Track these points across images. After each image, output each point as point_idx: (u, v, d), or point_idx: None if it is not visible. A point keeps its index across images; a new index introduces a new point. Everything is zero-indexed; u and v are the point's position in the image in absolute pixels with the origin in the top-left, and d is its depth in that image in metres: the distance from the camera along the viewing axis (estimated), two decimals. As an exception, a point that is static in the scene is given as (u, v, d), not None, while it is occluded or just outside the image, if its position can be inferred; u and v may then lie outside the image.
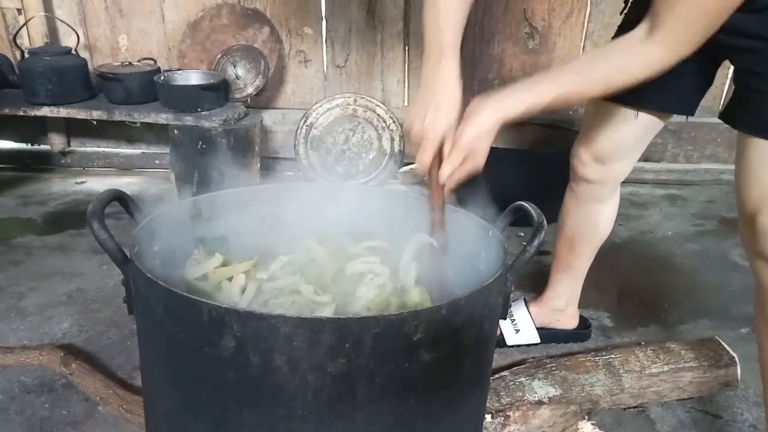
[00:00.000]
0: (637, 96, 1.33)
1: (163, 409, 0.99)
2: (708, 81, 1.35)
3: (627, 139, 1.44)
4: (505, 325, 1.71)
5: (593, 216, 1.59)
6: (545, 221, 1.00)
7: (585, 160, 1.50)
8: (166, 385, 0.95)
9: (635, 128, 1.41)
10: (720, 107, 3.13)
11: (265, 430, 0.87)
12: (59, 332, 1.74)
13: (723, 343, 1.55)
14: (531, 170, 2.55)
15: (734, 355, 1.51)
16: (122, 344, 1.69)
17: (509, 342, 1.71)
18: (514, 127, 3.16)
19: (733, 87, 1.22)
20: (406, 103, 3.08)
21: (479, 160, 1.07)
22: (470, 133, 1.05)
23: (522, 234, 2.38)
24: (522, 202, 1.05)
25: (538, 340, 1.72)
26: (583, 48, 3.01)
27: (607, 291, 2.00)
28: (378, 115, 2.90)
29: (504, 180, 2.51)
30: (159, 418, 1.01)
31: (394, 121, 2.91)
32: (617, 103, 1.38)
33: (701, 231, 2.62)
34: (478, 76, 2.84)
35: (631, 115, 1.39)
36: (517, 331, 1.71)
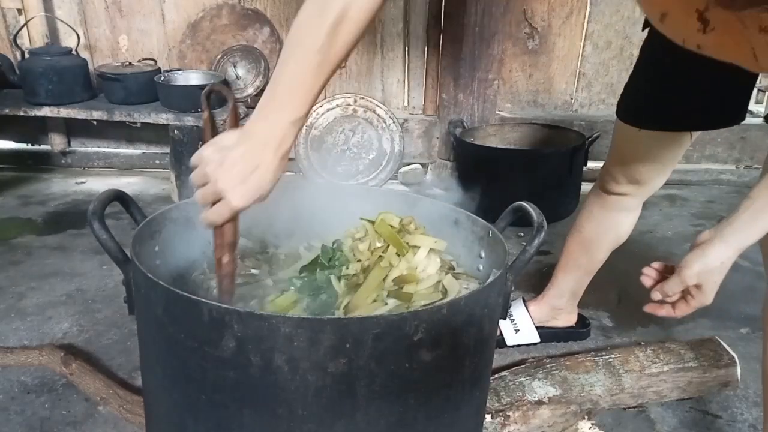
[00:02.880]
0: (688, 119, 1.30)
1: (163, 409, 0.99)
2: (753, 84, 1.31)
3: (668, 159, 1.39)
4: (504, 326, 1.71)
5: (618, 224, 1.56)
6: (545, 221, 1.00)
7: (620, 181, 1.45)
8: (166, 385, 0.95)
9: (679, 149, 1.37)
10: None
11: (266, 430, 0.87)
12: (59, 332, 1.75)
13: (723, 343, 1.55)
14: (531, 170, 2.55)
15: (734, 355, 1.51)
16: (122, 344, 1.69)
17: (509, 342, 1.71)
18: (514, 126, 3.17)
19: None
20: (406, 103, 3.08)
21: (707, 295, 1.03)
22: (699, 265, 1.01)
23: (522, 234, 2.38)
24: (522, 202, 1.05)
25: (538, 340, 1.72)
26: (583, 48, 3.02)
27: (607, 291, 2.00)
28: (378, 115, 2.90)
29: (504, 180, 2.52)
30: (159, 418, 1.01)
31: (394, 122, 2.91)
32: (666, 131, 1.32)
33: (701, 231, 2.61)
34: (478, 76, 2.84)
35: (683, 138, 1.33)
36: (517, 330, 1.71)
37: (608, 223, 1.56)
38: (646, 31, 1.31)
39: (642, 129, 1.34)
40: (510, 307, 1.72)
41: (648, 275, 1.12)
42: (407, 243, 1.08)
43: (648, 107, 1.34)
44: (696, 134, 1.36)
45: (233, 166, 0.84)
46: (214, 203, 0.87)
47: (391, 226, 1.10)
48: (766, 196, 0.98)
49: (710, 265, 1.02)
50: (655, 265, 1.12)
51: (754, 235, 1.00)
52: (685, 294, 1.07)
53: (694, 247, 1.04)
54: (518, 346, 1.71)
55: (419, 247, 1.09)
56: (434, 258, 1.09)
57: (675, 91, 1.28)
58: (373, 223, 1.12)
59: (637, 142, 1.36)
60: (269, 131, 0.85)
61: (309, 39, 0.83)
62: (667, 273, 1.09)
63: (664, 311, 1.10)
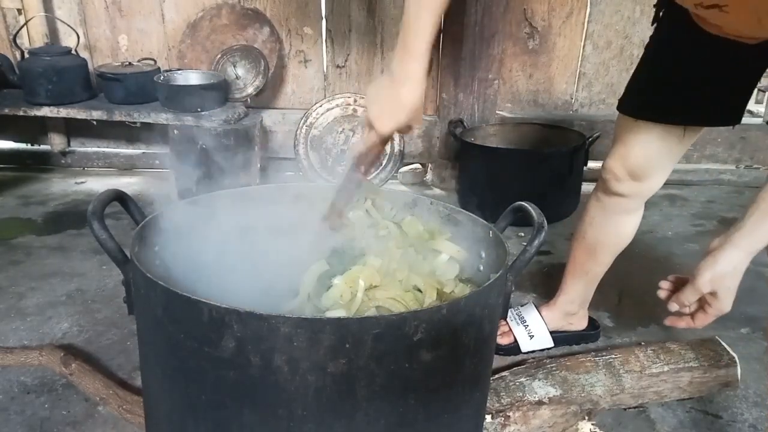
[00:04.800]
0: (684, 113, 1.31)
1: (163, 409, 0.99)
2: (754, 86, 1.31)
3: (667, 155, 1.40)
4: (519, 332, 1.70)
5: (620, 227, 1.55)
6: (545, 221, 0.99)
7: (621, 177, 1.45)
8: (166, 385, 0.95)
9: (678, 145, 1.37)
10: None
11: (265, 430, 0.87)
12: (59, 332, 1.74)
13: (723, 343, 1.55)
14: (531, 170, 2.55)
15: (734, 355, 1.51)
16: (122, 344, 1.69)
17: (524, 348, 1.70)
18: (514, 126, 3.17)
19: None
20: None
21: (724, 302, 1.03)
22: (711, 272, 1.02)
23: (522, 234, 2.38)
24: (522, 202, 1.05)
25: (552, 344, 1.71)
26: (583, 48, 3.02)
27: (607, 291, 2.00)
28: (378, 115, 2.90)
29: (504, 180, 2.52)
30: (159, 418, 1.01)
31: (394, 121, 2.91)
32: (660, 122, 1.34)
33: (701, 231, 2.62)
34: (478, 76, 2.84)
35: (676, 133, 1.34)
36: (532, 337, 1.70)
37: (611, 227, 1.55)
38: (653, 27, 1.33)
39: (639, 119, 1.36)
40: (522, 313, 1.74)
41: (663, 288, 1.12)
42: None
43: (646, 99, 1.36)
44: (695, 134, 1.37)
45: (377, 102, 1.11)
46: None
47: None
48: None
49: (722, 270, 1.02)
50: (670, 277, 1.12)
51: (763, 238, 1.00)
52: (703, 303, 1.07)
53: (705, 255, 1.04)
54: (532, 352, 1.71)
55: (441, 252, 1.14)
56: (454, 265, 1.13)
57: (674, 85, 1.29)
58: (394, 222, 1.17)
59: (636, 134, 1.38)
60: (400, 73, 1.08)
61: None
62: (681, 285, 1.09)
63: (684, 323, 1.10)
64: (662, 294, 1.12)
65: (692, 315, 1.09)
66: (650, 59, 1.36)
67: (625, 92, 1.42)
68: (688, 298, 1.05)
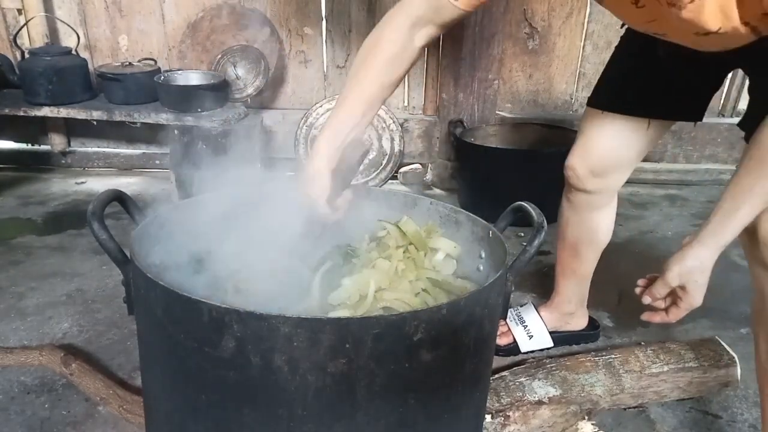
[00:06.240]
0: (648, 105, 1.34)
1: (163, 409, 0.99)
2: (718, 86, 1.33)
3: (630, 150, 1.41)
4: (518, 333, 1.71)
5: (593, 223, 1.57)
6: (545, 221, 1.00)
7: (581, 174, 1.47)
8: (166, 385, 0.95)
9: (642, 139, 1.39)
10: (719, 107, 3.14)
11: (265, 430, 0.87)
12: (59, 332, 1.74)
13: (723, 343, 1.55)
14: (531, 170, 2.55)
15: (734, 355, 1.51)
16: (122, 344, 1.69)
17: (523, 349, 1.70)
18: (514, 126, 3.17)
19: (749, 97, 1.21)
20: (406, 103, 3.08)
21: (694, 296, 1.07)
22: (679, 266, 1.05)
23: (522, 234, 2.38)
24: (522, 202, 1.05)
25: (551, 344, 1.71)
26: (583, 48, 3.02)
27: (607, 291, 2.00)
28: (378, 115, 2.90)
29: (504, 180, 2.52)
30: (159, 418, 1.01)
31: (394, 122, 2.91)
32: (626, 114, 1.36)
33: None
34: (478, 77, 2.84)
35: (641, 126, 1.36)
36: (531, 337, 1.70)
37: (585, 225, 1.57)
38: (623, 29, 1.36)
39: (605, 111, 1.39)
40: (521, 313, 1.74)
41: (640, 285, 1.16)
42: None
43: (613, 92, 1.40)
44: (660, 129, 1.39)
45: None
46: None
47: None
48: (732, 197, 1.01)
49: (689, 266, 1.05)
50: (648, 276, 1.16)
51: (727, 234, 1.03)
52: (675, 298, 1.11)
53: (679, 251, 1.08)
54: (532, 352, 1.71)
55: (438, 250, 1.15)
56: (450, 262, 1.14)
57: (640, 79, 1.33)
58: (392, 223, 1.18)
59: (601, 127, 1.41)
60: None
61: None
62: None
63: (659, 318, 1.14)
64: (638, 290, 1.15)
65: (666, 310, 1.13)
66: (618, 56, 1.41)
67: (595, 88, 1.45)
68: (659, 291, 1.09)
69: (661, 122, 1.38)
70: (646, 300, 1.12)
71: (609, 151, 1.42)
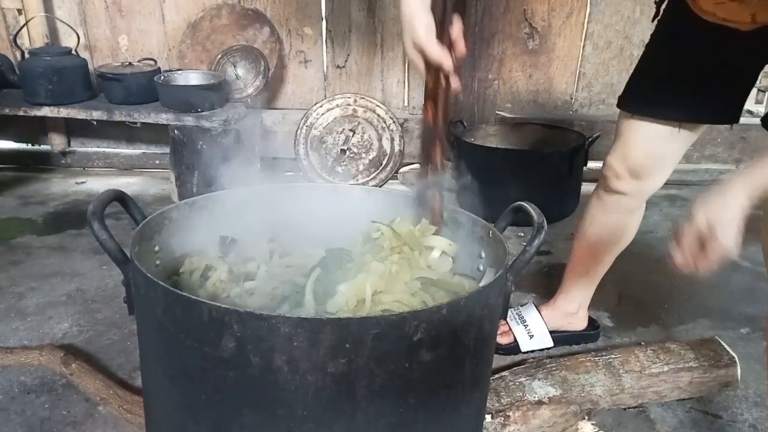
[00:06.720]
0: (677, 108, 1.32)
1: (163, 409, 0.99)
2: (751, 86, 1.31)
3: (667, 153, 1.40)
4: (518, 332, 1.70)
5: (621, 226, 1.55)
6: (545, 221, 0.99)
7: (621, 174, 1.45)
8: (166, 385, 0.95)
9: (677, 142, 1.38)
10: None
11: (265, 430, 0.87)
12: (59, 332, 1.75)
13: (723, 343, 1.55)
14: (531, 170, 2.55)
15: (734, 355, 1.51)
16: (122, 344, 1.69)
17: (524, 348, 1.70)
18: (514, 126, 3.17)
19: None
20: (406, 103, 3.08)
21: (723, 242, 0.91)
22: (705, 202, 0.93)
23: (522, 234, 2.38)
24: (522, 202, 1.05)
25: (551, 344, 1.71)
26: (583, 48, 3.02)
27: (607, 291, 2.00)
28: (378, 115, 2.90)
29: (504, 180, 2.52)
30: (159, 418, 1.01)
31: (394, 122, 2.91)
32: (659, 117, 1.34)
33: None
34: (478, 76, 2.84)
35: (673, 129, 1.35)
36: (531, 336, 1.70)
37: (612, 227, 1.55)
38: (653, 24, 1.35)
39: (635, 115, 1.37)
40: (522, 312, 1.74)
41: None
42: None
43: (642, 94, 1.38)
44: (692, 132, 1.37)
45: None
46: None
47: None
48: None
49: (715, 201, 0.93)
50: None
51: (762, 178, 0.93)
52: (704, 247, 0.97)
53: (711, 193, 0.97)
54: (532, 351, 1.71)
55: (433, 248, 1.13)
56: (447, 259, 1.13)
57: (669, 79, 1.31)
58: (386, 224, 1.17)
59: (634, 130, 1.40)
60: None
61: None
62: None
63: (687, 266, 0.98)
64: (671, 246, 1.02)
65: (696, 262, 0.99)
66: (649, 55, 1.39)
67: (625, 89, 1.44)
68: (686, 233, 0.96)
69: (691, 125, 1.36)
70: (673, 247, 0.99)
71: (646, 154, 1.41)
